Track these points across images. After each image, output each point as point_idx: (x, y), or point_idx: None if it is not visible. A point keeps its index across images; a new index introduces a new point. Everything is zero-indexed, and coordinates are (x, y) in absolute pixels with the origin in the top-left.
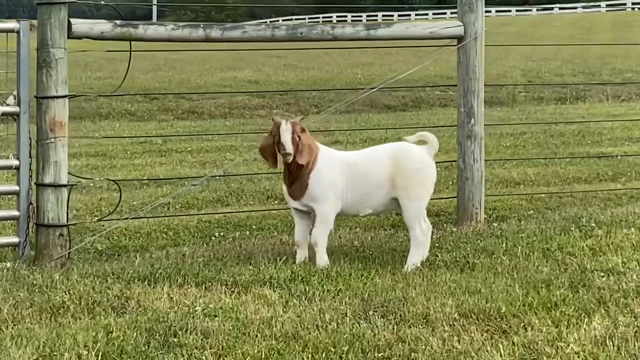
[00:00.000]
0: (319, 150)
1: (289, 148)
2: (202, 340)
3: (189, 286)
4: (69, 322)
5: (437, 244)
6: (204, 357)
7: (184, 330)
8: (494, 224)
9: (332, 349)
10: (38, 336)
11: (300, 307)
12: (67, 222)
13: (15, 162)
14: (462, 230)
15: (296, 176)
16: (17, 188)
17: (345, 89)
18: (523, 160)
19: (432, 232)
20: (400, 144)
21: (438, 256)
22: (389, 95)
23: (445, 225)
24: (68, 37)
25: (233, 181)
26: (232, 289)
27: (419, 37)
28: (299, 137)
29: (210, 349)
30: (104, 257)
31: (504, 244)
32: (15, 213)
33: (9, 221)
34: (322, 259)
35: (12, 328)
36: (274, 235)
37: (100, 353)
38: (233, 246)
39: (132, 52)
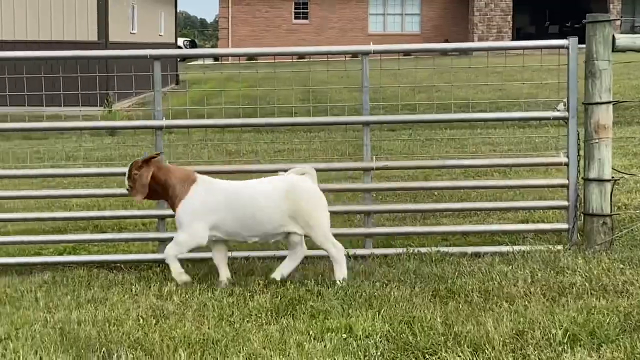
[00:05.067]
0: (192, 181)
1: (125, 184)
2: None
3: None
4: (568, 303)
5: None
6: None
7: None
8: None
9: None
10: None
11: None
12: (610, 212)
13: (564, 160)
14: None
15: (170, 204)
16: (566, 181)
17: None
18: None
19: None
20: (288, 178)
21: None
22: None
23: None
24: (612, 51)
25: None
26: None
27: None
28: (135, 174)
29: None
30: None
31: None
32: (565, 203)
33: (558, 210)
34: (173, 271)
35: (506, 303)
36: None
37: (569, 333)
38: None
39: None
